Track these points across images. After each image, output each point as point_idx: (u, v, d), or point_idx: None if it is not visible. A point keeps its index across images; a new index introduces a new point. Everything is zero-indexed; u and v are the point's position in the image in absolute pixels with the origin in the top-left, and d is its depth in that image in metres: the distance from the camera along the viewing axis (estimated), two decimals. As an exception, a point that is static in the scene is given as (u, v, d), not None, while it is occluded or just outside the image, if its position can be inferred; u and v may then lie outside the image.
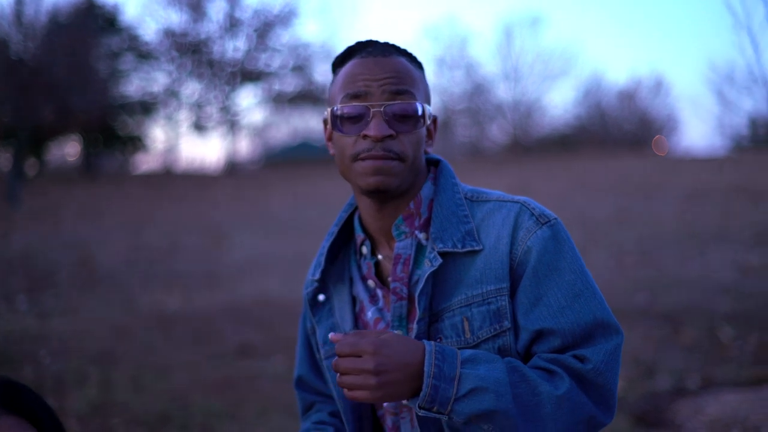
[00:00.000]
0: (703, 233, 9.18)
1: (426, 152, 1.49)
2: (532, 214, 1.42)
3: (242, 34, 26.23)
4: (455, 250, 1.41)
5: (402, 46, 1.50)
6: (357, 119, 1.42)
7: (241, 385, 4.23)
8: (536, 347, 1.38)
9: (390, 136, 1.40)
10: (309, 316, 1.56)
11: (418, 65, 1.50)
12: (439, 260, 1.39)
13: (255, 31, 26.48)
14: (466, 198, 1.47)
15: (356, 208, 1.53)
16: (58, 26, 18.10)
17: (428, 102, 1.49)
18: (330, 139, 1.48)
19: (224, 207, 15.85)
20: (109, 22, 23.74)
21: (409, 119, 1.43)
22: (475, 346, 1.38)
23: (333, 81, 1.48)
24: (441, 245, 1.41)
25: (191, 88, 26.13)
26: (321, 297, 1.52)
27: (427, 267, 1.40)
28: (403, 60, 1.46)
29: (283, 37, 27.25)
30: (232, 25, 25.66)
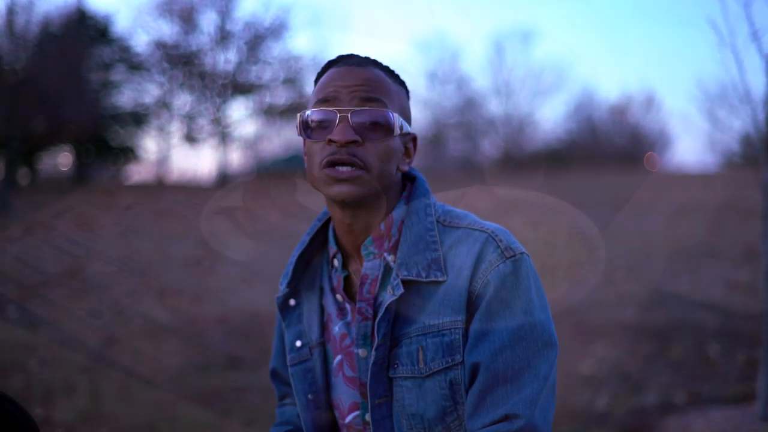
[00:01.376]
0: (692, 249, 9.19)
1: (401, 170, 1.46)
2: (498, 247, 1.40)
3: (233, 47, 26.22)
4: (419, 279, 1.39)
5: (385, 63, 1.49)
6: (325, 125, 1.40)
7: (229, 396, 4.22)
8: (471, 385, 1.37)
9: (355, 142, 1.38)
10: (279, 319, 1.56)
11: (399, 82, 1.48)
12: (401, 290, 1.39)
13: (246, 43, 26.45)
14: (438, 221, 1.45)
15: (330, 218, 1.51)
16: (50, 36, 18.07)
17: (406, 118, 1.46)
18: (304, 151, 1.47)
19: (215, 218, 15.86)
20: (101, 32, 23.66)
21: (377, 128, 1.40)
22: (427, 377, 1.38)
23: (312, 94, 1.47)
24: (405, 273, 1.39)
25: (183, 100, 26.09)
26: (292, 301, 1.51)
27: (389, 296, 1.39)
28: (379, 72, 1.45)
29: (274, 49, 27.24)
30: (222, 37, 25.62)
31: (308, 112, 1.42)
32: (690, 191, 17.09)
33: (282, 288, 1.52)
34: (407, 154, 1.48)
